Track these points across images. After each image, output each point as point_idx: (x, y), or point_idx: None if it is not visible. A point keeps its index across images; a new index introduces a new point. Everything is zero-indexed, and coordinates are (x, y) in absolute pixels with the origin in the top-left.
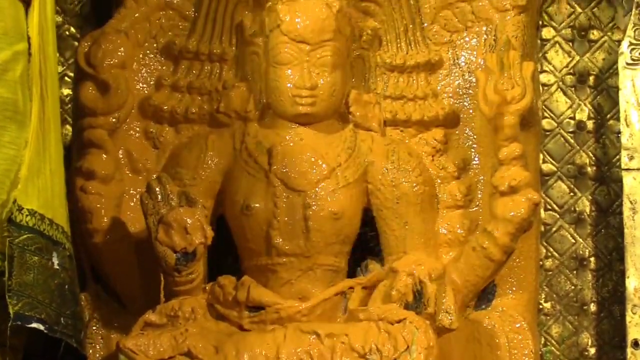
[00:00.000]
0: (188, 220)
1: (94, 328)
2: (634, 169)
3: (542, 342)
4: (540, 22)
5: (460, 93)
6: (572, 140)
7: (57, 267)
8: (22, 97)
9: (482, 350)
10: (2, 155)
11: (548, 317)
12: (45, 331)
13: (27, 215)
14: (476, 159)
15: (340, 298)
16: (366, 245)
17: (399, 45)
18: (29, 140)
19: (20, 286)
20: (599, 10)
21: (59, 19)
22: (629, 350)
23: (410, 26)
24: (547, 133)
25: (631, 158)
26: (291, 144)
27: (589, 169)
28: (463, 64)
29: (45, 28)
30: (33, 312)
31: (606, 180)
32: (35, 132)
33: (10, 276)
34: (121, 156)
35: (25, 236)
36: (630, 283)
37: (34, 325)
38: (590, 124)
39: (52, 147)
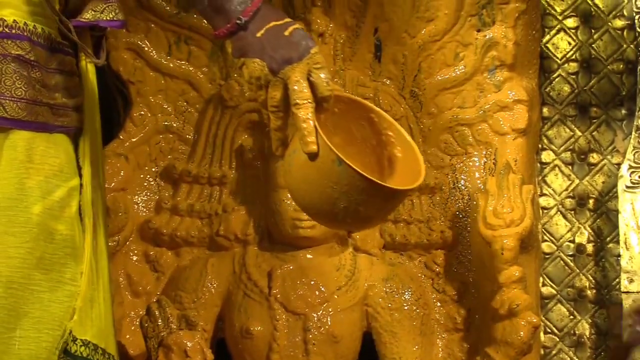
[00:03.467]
0: (188, 343)
1: None
2: (633, 292)
3: None
4: (540, 146)
5: (460, 216)
6: (571, 264)
7: None
8: (78, 231)
9: None
10: (65, 292)
11: None
12: None
13: (81, 346)
14: (476, 281)
15: None
16: None
17: None
18: (83, 271)
19: None
20: (599, 133)
21: None
22: None
23: None
24: (547, 256)
25: (631, 281)
26: (291, 267)
27: (588, 292)
28: (463, 187)
29: (96, 156)
30: None
31: (606, 304)
32: (89, 262)
33: None
34: (121, 279)
35: None
36: None
37: None
38: (589, 247)
39: (104, 276)
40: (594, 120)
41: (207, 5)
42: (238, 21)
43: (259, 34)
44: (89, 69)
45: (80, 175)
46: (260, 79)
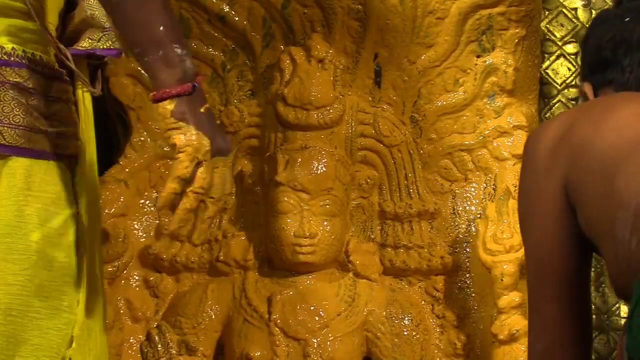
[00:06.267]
0: None
1: None
2: None
3: None
4: None
5: (460, 242)
6: None
7: None
8: (76, 259)
9: None
10: (63, 320)
11: None
12: None
13: None
14: (476, 307)
15: None
16: None
17: (398, 194)
18: (80, 299)
19: None
20: None
21: None
22: None
23: (410, 175)
24: None
25: None
26: (291, 293)
27: None
28: (462, 212)
29: (92, 184)
30: None
31: (606, 329)
32: (86, 291)
33: None
34: (121, 305)
35: None
36: None
37: None
38: None
39: (100, 304)
40: None
41: (160, 57)
42: (195, 84)
43: (202, 109)
44: (86, 97)
45: (77, 203)
46: (183, 148)
